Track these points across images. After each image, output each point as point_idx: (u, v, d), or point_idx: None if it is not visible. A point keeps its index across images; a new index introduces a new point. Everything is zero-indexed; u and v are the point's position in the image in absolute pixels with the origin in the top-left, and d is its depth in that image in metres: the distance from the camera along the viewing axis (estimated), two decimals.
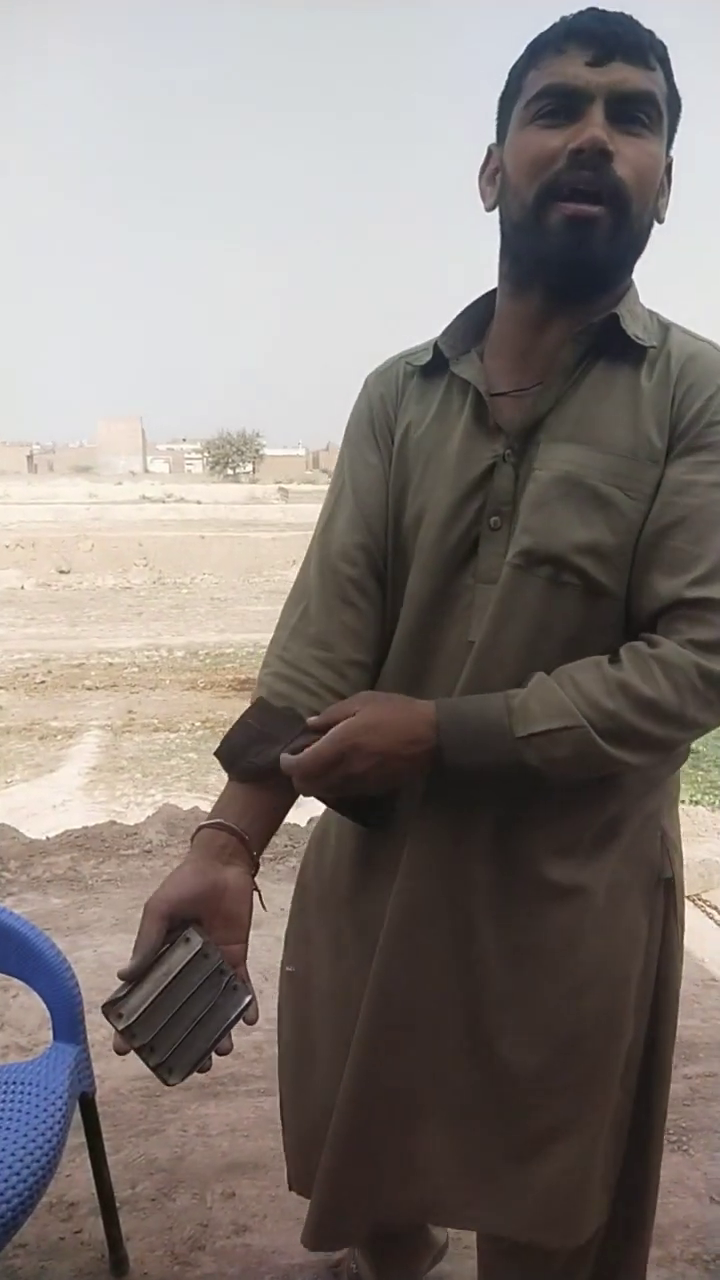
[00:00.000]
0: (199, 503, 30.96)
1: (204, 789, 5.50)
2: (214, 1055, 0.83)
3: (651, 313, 0.97)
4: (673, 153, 0.95)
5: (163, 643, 11.50)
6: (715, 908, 2.95)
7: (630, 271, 0.96)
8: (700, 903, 2.99)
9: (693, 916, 2.92)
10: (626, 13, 0.89)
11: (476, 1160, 1.04)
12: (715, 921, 2.87)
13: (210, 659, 10.63)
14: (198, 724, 7.77)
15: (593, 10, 0.89)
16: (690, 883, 3.03)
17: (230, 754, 0.96)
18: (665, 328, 0.96)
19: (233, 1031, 0.85)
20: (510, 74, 0.94)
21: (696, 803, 4.93)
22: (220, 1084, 2.08)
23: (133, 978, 0.82)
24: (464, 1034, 1.00)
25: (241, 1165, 1.86)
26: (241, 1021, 0.84)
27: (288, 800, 0.96)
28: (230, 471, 47.43)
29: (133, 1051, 0.82)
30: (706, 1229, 1.72)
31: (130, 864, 3.25)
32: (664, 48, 0.90)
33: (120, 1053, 0.83)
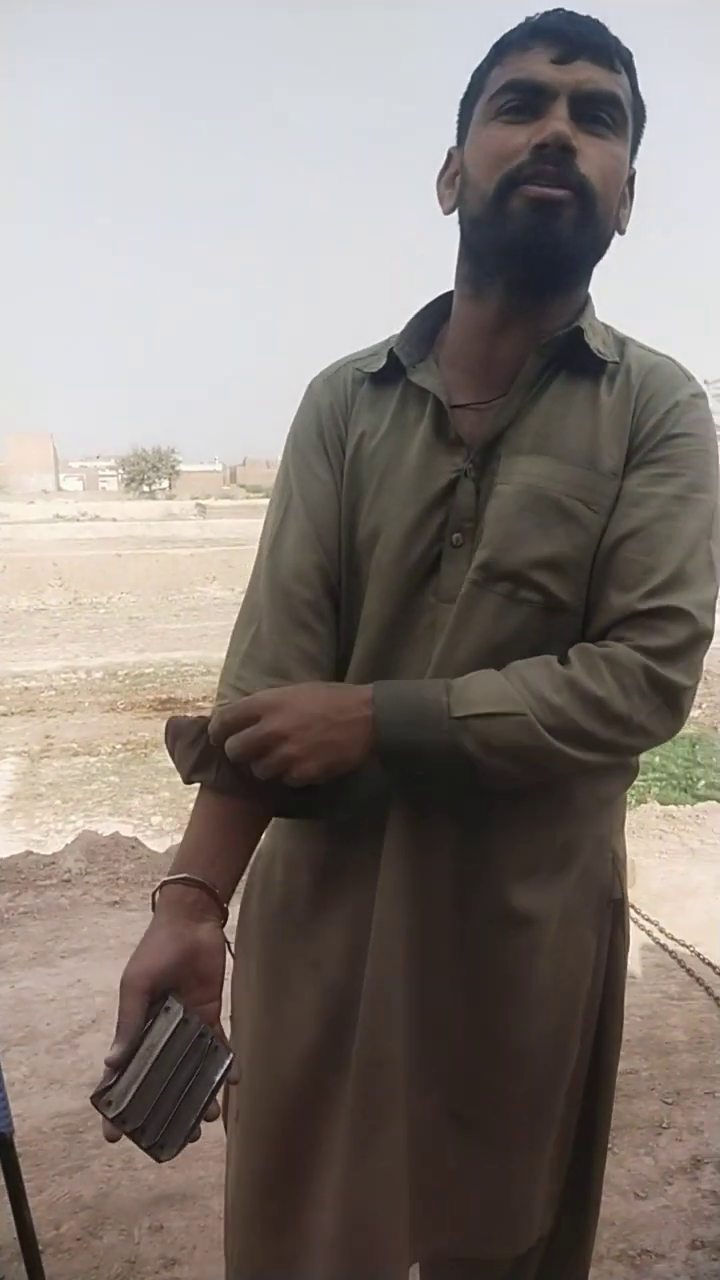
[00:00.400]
0: (114, 520, 30.48)
1: (126, 813, 5.41)
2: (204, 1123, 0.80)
3: (607, 327, 0.97)
4: (636, 165, 0.94)
5: (80, 664, 11.26)
6: (632, 905, 3.02)
7: (589, 279, 0.95)
8: None
9: None
10: (594, 16, 0.88)
11: (426, 1182, 1.00)
12: (633, 920, 2.94)
13: (130, 679, 10.46)
14: (118, 746, 7.63)
15: (560, 10, 0.88)
16: None
17: (202, 764, 0.91)
18: (622, 342, 0.96)
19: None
20: (474, 74, 0.92)
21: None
22: None
23: (121, 1064, 0.79)
24: (417, 1059, 0.97)
25: (169, 1197, 1.83)
26: (226, 1082, 0.82)
27: (253, 838, 0.93)
28: (146, 488, 46.83)
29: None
30: (631, 1225, 1.76)
31: (48, 895, 3.18)
32: (630, 55, 0.89)
33: (112, 1140, 0.79)
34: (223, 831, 0.91)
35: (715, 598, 0.89)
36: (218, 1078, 0.81)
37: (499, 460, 0.91)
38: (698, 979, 2.58)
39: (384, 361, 0.97)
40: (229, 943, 0.88)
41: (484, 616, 0.89)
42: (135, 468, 47.68)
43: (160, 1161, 0.79)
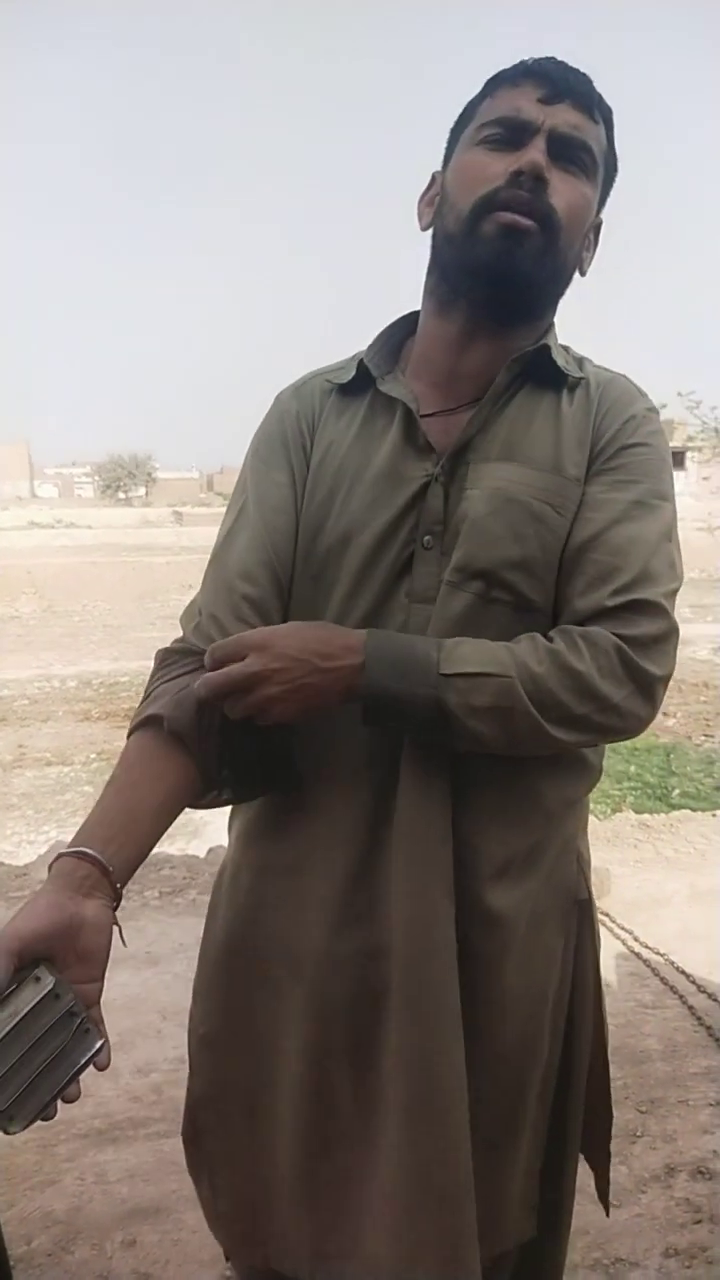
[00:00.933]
0: (90, 528, 30.28)
1: None
2: (61, 1103, 0.78)
3: (566, 348, 1.03)
4: (603, 215, 1.02)
5: (54, 673, 11.15)
6: (607, 914, 3.03)
7: (553, 308, 1.01)
8: None
9: None
10: (586, 72, 0.96)
11: (401, 1188, 0.98)
12: (607, 928, 2.95)
13: (104, 688, 10.38)
14: (93, 756, 7.56)
15: (552, 57, 0.95)
16: None
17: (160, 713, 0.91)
18: (580, 361, 1.02)
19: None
20: (467, 105, 1.00)
21: (589, 812, 5.08)
22: (119, 1129, 2.03)
23: None
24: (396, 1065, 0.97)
25: (143, 1211, 1.82)
26: (93, 1067, 0.79)
27: (161, 823, 0.90)
28: (122, 495, 46.62)
29: None
30: (605, 1233, 1.76)
31: (19, 906, 3.14)
32: (610, 111, 0.97)
33: None
34: (130, 810, 0.89)
35: (677, 594, 0.95)
36: (83, 1060, 0.78)
37: (468, 466, 0.95)
38: (671, 987, 2.59)
39: (353, 373, 1.02)
40: (119, 925, 0.84)
41: (458, 616, 0.93)
42: (111, 474, 47.46)
43: (8, 1134, 0.75)
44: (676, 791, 5.86)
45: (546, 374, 0.98)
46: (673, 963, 2.72)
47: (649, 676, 0.89)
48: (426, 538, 0.95)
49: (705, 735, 7.35)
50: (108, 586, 18.73)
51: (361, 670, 0.87)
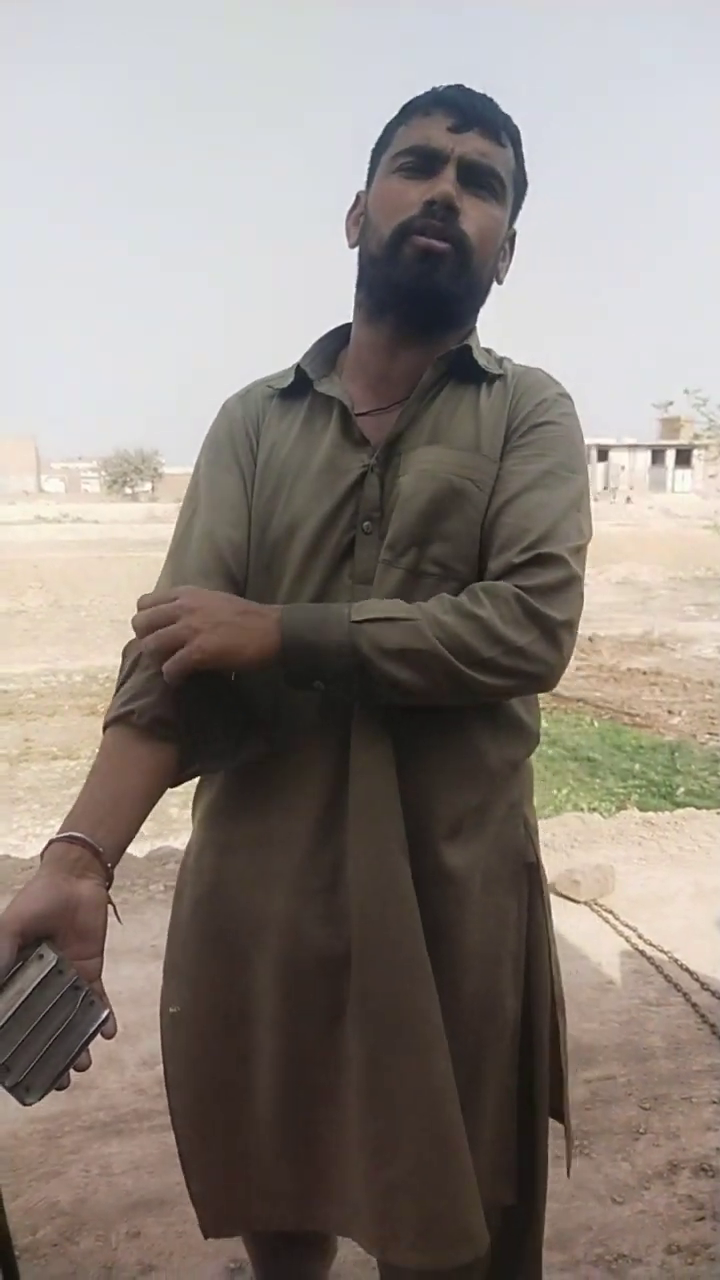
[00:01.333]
0: (97, 522, 30.29)
1: None
2: (74, 1073, 0.82)
3: (489, 350, 1.11)
4: (516, 226, 1.10)
5: (61, 667, 11.18)
6: (611, 911, 3.03)
7: (473, 317, 1.10)
8: (596, 907, 3.07)
9: (589, 921, 3.00)
10: (489, 95, 1.03)
11: (376, 1134, 1.01)
12: (611, 925, 2.95)
13: (110, 683, 10.36)
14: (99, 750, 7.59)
15: (460, 85, 1.03)
16: (586, 888, 3.12)
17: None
18: (500, 360, 1.11)
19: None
20: (385, 129, 1.07)
21: (594, 810, 5.07)
22: (123, 1121, 2.04)
23: None
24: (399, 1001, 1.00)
25: (147, 1203, 1.83)
26: (100, 1036, 0.83)
27: (146, 805, 0.96)
28: (129, 490, 46.64)
29: None
30: (608, 1230, 1.77)
31: None
32: (518, 131, 1.05)
33: None
34: (114, 796, 0.94)
35: (584, 552, 1.01)
36: (91, 1029, 0.82)
37: (400, 456, 1.04)
38: (675, 985, 2.60)
39: (293, 378, 1.11)
40: (113, 904, 0.90)
41: (393, 591, 1.00)
42: (118, 470, 47.48)
43: (25, 1104, 0.79)
44: (681, 789, 5.86)
45: (469, 371, 1.07)
46: (677, 960, 2.72)
47: (551, 621, 0.95)
48: (365, 523, 1.03)
49: (710, 733, 7.34)
50: (114, 581, 18.75)
51: (279, 623, 0.94)
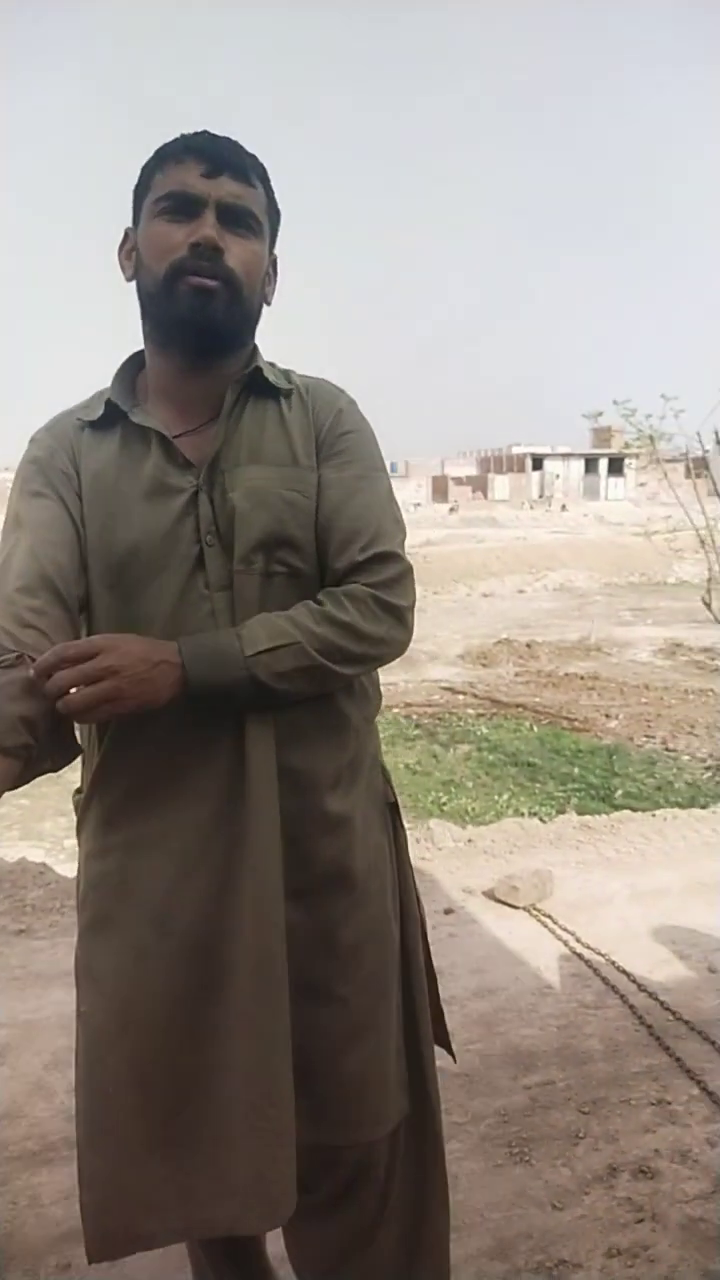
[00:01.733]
0: None
1: (37, 836, 5.23)
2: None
3: (272, 364, 1.24)
4: (276, 251, 1.23)
5: None
6: (549, 916, 3.04)
7: (250, 339, 1.22)
8: (535, 912, 3.08)
9: (528, 926, 3.01)
10: (233, 138, 1.15)
11: (284, 1086, 1.12)
12: (549, 930, 2.96)
13: None
14: None
15: (206, 132, 1.14)
16: (525, 893, 3.13)
17: None
18: (286, 373, 1.25)
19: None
20: (142, 170, 1.17)
21: (534, 814, 5.11)
22: (53, 1149, 1.97)
23: None
24: (266, 967, 1.11)
25: (76, 1233, 1.75)
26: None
27: None
28: None
29: None
30: (549, 1236, 1.76)
31: None
32: (264, 169, 1.17)
33: None
34: None
35: (404, 541, 1.21)
36: None
37: (223, 474, 1.16)
38: (613, 987, 2.61)
39: (102, 410, 1.18)
40: None
41: (253, 593, 1.15)
42: None
43: None
44: (620, 792, 5.94)
45: (263, 389, 1.21)
46: (614, 963, 2.74)
47: (399, 609, 1.17)
48: (208, 537, 1.14)
49: (647, 736, 7.46)
50: None
51: (182, 669, 1.05)
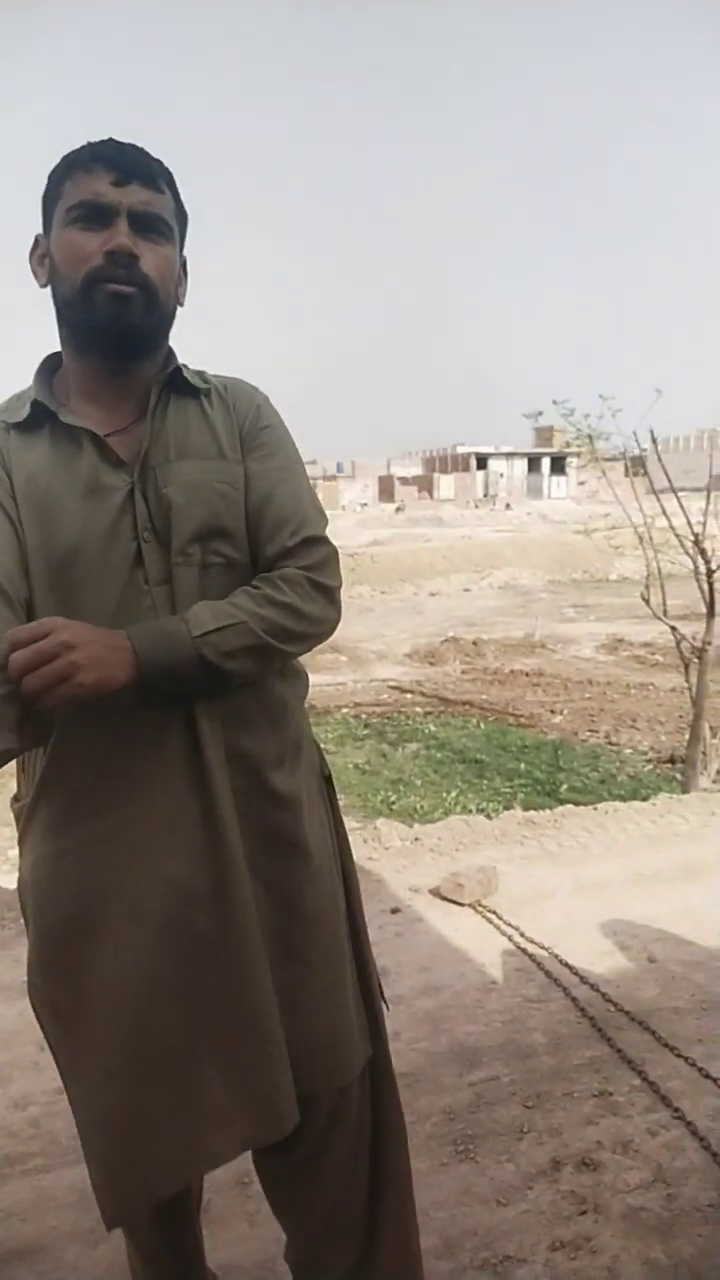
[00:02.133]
0: None
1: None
2: None
3: (185, 365, 1.27)
4: (186, 253, 1.26)
5: None
6: (494, 912, 3.07)
7: (165, 340, 1.25)
8: (480, 909, 3.10)
9: (473, 922, 3.03)
10: (138, 144, 1.17)
11: (277, 1031, 1.21)
12: (494, 926, 2.98)
13: None
14: None
15: (112, 140, 1.16)
16: (470, 890, 3.15)
17: None
18: (201, 373, 1.29)
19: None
20: (49, 178, 1.18)
21: (481, 811, 5.15)
22: None
23: None
24: (244, 939, 1.18)
25: (19, 1252, 1.74)
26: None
27: None
28: None
29: None
30: (493, 1232, 1.77)
31: None
32: (170, 174, 1.20)
33: None
34: None
35: (327, 527, 1.28)
36: None
37: (154, 470, 1.20)
38: (555, 980, 2.64)
39: (27, 411, 1.20)
40: None
41: (191, 585, 1.18)
42: None
43: None
44: (565, 786, 6.02)
45: (183, 388, 1.25)
46: (557, 956, 2.77)
47: (330, 589, 1.23)
48: (145, 533, 1.18)
49: (591, 730, 7.58)
50: None
51: (133, 652, 1.07)
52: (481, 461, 47.56)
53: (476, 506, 35.89)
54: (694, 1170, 1.92)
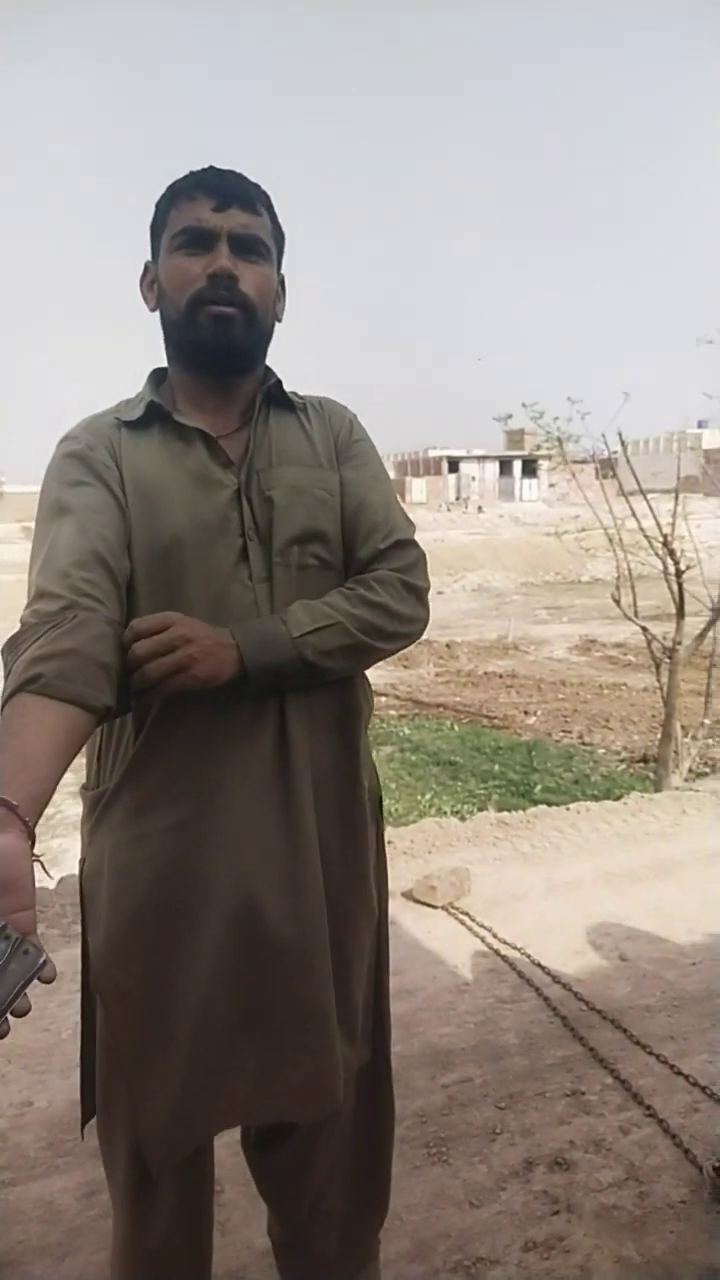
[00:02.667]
0: None
1: None
2: (11, 1019, 0.80)
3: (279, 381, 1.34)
4: (284, 270, 1.33)
5: None
6: (467, 914, 3.07)
7: (265, 357, 1.33)
8: (454, 910, 3.10)
9: (446, 924, 3.02)
10: (238, 171, 1.25)
11: (331, 1017, 1.25)
12: (467, 928, 2.98)
13: None
14: None
15: (213, 168, 1.24)
16: (443, 892, 3.15)
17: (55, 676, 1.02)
18: (294, 392, 1.35)
19: None
20: (156, 207, 1.27)
21: (456, 813, 5.15)
22: None
23: None
24: (314, 934, 1.22)
25: None
26: (38, 981, 0.82)
27: (57, 764, 0.98)
28: None
29: None
30: (466, 1234, 1.76)
31: None
32: (268, 197, 1.27)
33: None
34: (22, 757, 0.96)
35: (415, 530, 1.34)
36: (28, 974, 0.81)
37: (258, 474, 1.26)
38: (528, 981, 2.64)
39: (142, 411, 1.26)
40: (39, 858, 0.90)
41: (288, 585, 1.24)
42: None
43: None
44: (539, 787, 6.04)
45: (281, 401, 1.33)
46: (529, 956, 2.77)
47: (420, 589, 1.30)
48: (251, 531, 1.24)
49: (564, 731, 7.61)
50: None
51: (238, 650, 1.14)
52: (453, 465, 47.71)
53: (449, 509, 36.00)
54: (666, 1167, 1.93)
